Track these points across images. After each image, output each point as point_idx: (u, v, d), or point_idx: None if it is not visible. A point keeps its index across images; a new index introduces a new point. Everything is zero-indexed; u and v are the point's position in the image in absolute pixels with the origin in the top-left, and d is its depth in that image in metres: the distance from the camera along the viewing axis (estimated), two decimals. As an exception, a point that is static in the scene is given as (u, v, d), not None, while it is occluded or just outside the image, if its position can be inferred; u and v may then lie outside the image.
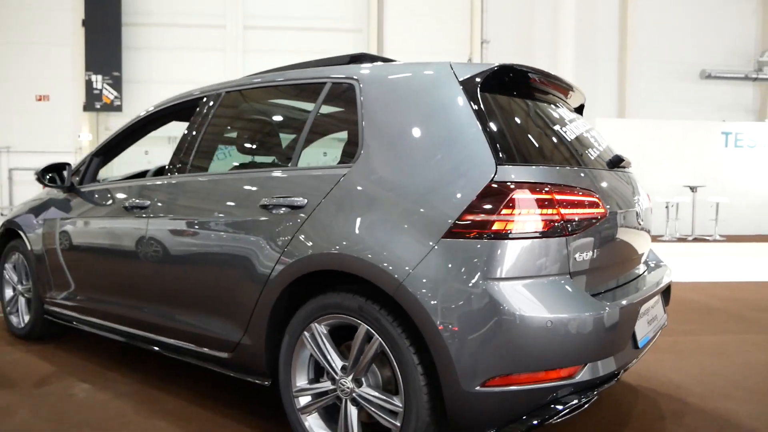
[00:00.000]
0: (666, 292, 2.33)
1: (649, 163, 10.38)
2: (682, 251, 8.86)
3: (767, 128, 11.78)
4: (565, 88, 2.26)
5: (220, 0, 14.97)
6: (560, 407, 1.65)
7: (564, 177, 1.76)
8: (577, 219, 1.70)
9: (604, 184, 1.93)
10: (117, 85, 14.80)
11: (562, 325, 1.59)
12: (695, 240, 10.57)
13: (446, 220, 1.64)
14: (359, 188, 1.85)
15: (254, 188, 2.15)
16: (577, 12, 13.41)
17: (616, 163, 2.13)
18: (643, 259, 2.28)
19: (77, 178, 3.12)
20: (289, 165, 2.13)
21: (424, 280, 1.61)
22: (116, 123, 15.05)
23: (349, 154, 1.97)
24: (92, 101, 14.77)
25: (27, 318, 3.40)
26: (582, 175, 1.86)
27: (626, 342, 1.80)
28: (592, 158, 2.05)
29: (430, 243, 1.64)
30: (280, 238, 1.97)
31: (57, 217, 3.12)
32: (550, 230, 1.64)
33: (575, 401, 1.66)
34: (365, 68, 2.10)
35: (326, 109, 2.17)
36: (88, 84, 14.72)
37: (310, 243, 1.88)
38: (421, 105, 1.88)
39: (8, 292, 3.59)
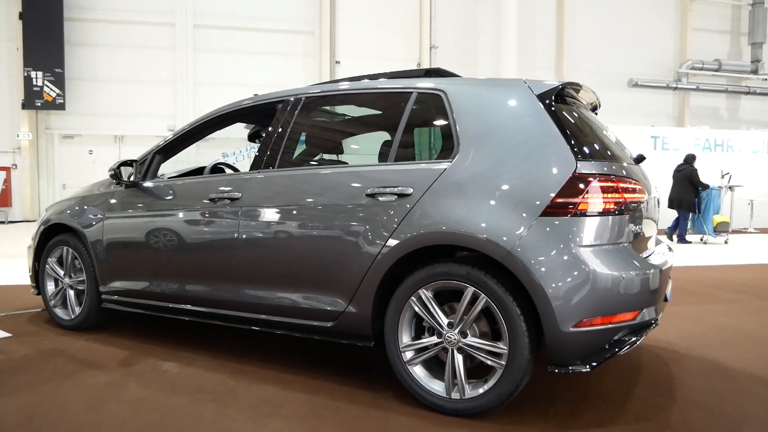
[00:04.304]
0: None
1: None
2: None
3: (687, 133, 13.28)
4: (592, 94, 2.82)
5: (168, -3, 14.72)
6: (623, 343, 2.17)
7: (618, 169, 2.30)
8: (631, 201, 2.24)
9: (638, 175, 2.49)
10: (59, 82, 14.18)
11: (630, 279, 2.13)
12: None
13: (541, 202, 2.13)
14: (462, 179, 2.29)
15: (360, 180, 2.54)
16: (518, 21, 14.34)
17: (640, 160, 2.70)
18: (655, 238, 2.87)
19: (140, 175, 3.33)
20: (387, 160, 2.55)
21: (528, 249, 2.09)
22: (59, 122, 14.48)
23: (446, 151, 2.42)
24: (32, 99, 14.09)
25: (78, 310, 3.54)
26: (626, 167, 2.41)
27: (663, 295, 2.37)
28: (627, 155, 2.61)
29: (530, 220, 2.12)
30: (388, 221, 2.37)
31: (125, 212, 3.29)
32: (617, 209, 2.17)
33: (633, 339, 2.20)
34: (450, 82, 2.55)
35: (415, 114, 2.59)
36: (27, 80, 14.03)
37: (423, 223, 2.29)
38: (507, 113, 2.35)
39: (50, 286, 3.71)
